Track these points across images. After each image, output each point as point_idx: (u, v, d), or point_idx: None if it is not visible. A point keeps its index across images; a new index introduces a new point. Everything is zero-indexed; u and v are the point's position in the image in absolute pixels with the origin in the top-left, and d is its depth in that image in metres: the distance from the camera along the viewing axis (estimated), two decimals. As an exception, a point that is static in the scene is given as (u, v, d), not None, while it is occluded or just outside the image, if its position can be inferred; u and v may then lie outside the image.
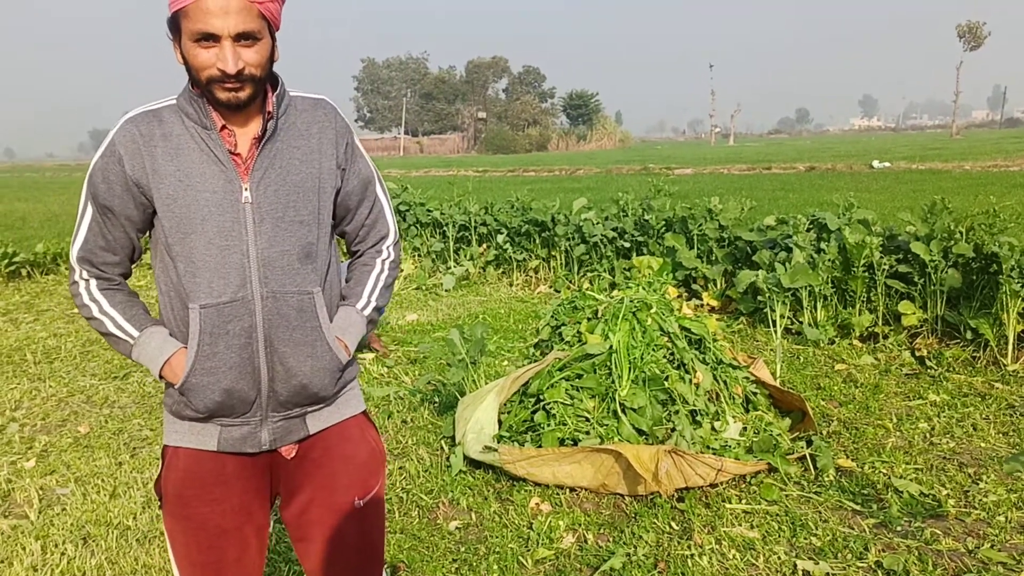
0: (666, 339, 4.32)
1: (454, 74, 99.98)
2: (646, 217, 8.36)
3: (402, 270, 9.59)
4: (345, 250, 2.30)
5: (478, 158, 57.20)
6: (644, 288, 5.08)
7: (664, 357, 4.23)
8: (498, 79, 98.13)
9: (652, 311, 4.43)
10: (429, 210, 10.56)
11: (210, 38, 1.78)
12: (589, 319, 4.66)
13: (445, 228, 10.06)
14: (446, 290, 8.96)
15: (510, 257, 9.22)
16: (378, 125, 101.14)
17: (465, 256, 9.76)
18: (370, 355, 6.36)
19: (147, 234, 2.02)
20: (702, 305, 7.39)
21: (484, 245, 9.79)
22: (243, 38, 1.80)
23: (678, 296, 7.30)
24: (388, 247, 2.21)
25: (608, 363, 4.17)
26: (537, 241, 9.04)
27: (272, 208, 1.92)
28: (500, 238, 9.22)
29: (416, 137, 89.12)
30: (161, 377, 1.96)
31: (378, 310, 2.17)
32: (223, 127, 1.90)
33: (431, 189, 14.88)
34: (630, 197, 9.01)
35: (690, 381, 4.15)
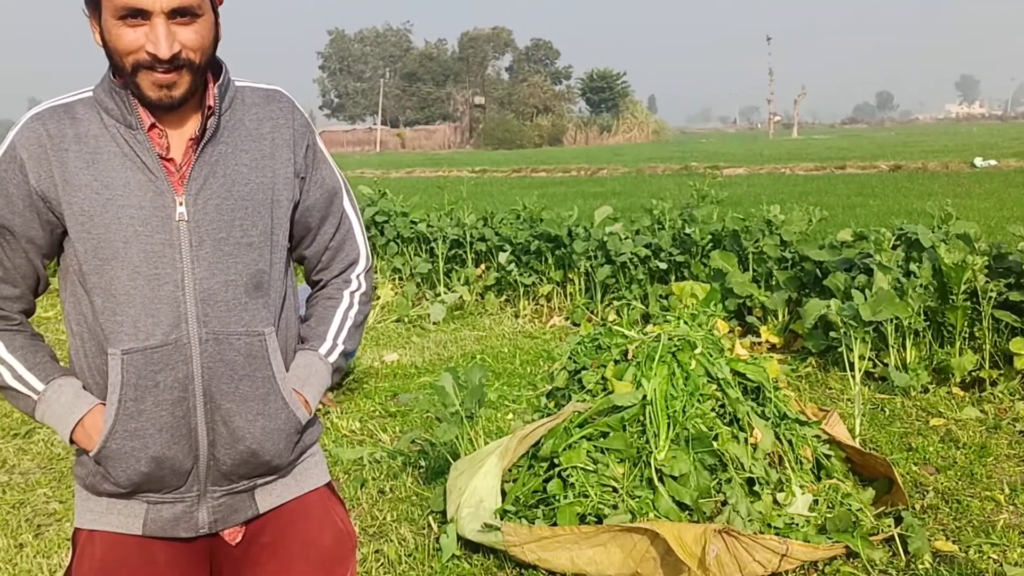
0: (715, 387, 4.32)
1: (444, 49, 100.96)
2: (687, 231, 8.42)
3: (378, 297, 9.65)
4: (304, 279, 2.35)
5: (474, 155, 57.58)
6: (686, 322, 5.08)
7: (713, 410, 4.22)
8: (500, 55, 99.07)
9: (697, 351, 4.43)
10: (413, 222, 10.65)
11: (138, 14, 1.81)
12: (617, 361, 4.65)
13: (433, 244, 10.14)
14: (434, 323, 9.02)
15: (515, 281, 9.28)
16: (348, 113, 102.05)
17: (459, 280, 9.82)
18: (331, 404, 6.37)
19: (55, 260, 2.03)
20: (760, 343, 7.44)
21: (483, 266, 9.88)
22: (179, 14, 1.83)
23: (729, 332, 7.33)
24: (358, 276, 2.24)
25: (641, 418, 4.16)
26: (550, 261, 9.10)
27: (213, 227, 1.94)
28: (503, 257, 9.31)
29: (396, 128, 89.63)
30: (72, 442, 1.96)
31: (346, 355, 2.19)
32: (152, 126, 1.93)
33: (416, 194, 14.94)
34: (667, 205, 9.09)
35: (746, 441, 4.15)
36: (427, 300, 9.76)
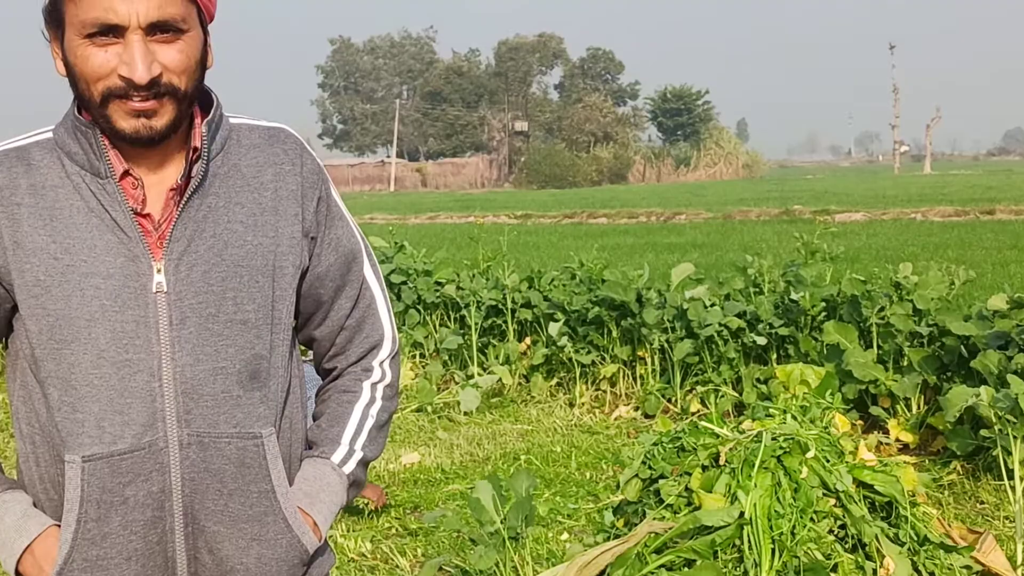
0: (833, 502, 4.28)
1: (477, 62, 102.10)
2: (793, 296, 8.34)
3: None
4: (314, 367, 2.38)
5: (515, 195, 57.68)
6: (794, 416, 5.04)
7: (830, 532, 4.18)
8: (547, 69, 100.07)
9: (809, 456, 4.40)
10: (439, 283, 10.68)
11: (109, 30, 1.85)
12: (705, 468, 4.63)
13: (464, 312, 10.15)
14: (466, 413, 8.99)
15: (570, 360, 9.23)
16: (355, 143, 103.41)
17: (497, 358, 9.81)
18: (364, 504, 6.35)
19: (2, 343, 2.07)
20: (888, 443, 7.33)
21: (528, 340, 9.85)
22: (160, 29, 1.88)
23: (851, 428, 6.98)
24: (382, 363, 2.27)
25: (737, 542, 4.12)
26: (614, 334, 9.07)
27: (199, 300, 1.97)
28: (554, 328, 9.24)
29: (416, 162, 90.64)
30: (18, 573, 1.97)
31: (365, 464, 2.22)
32: (125, 173, 1.97)
33: (441, 246, 14.94)
34: (765, 262, 9.05)
35: (874, 573, 4.09)
36: (456, 384, 9.70)
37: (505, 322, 9.97)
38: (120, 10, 1.82)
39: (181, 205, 1.97)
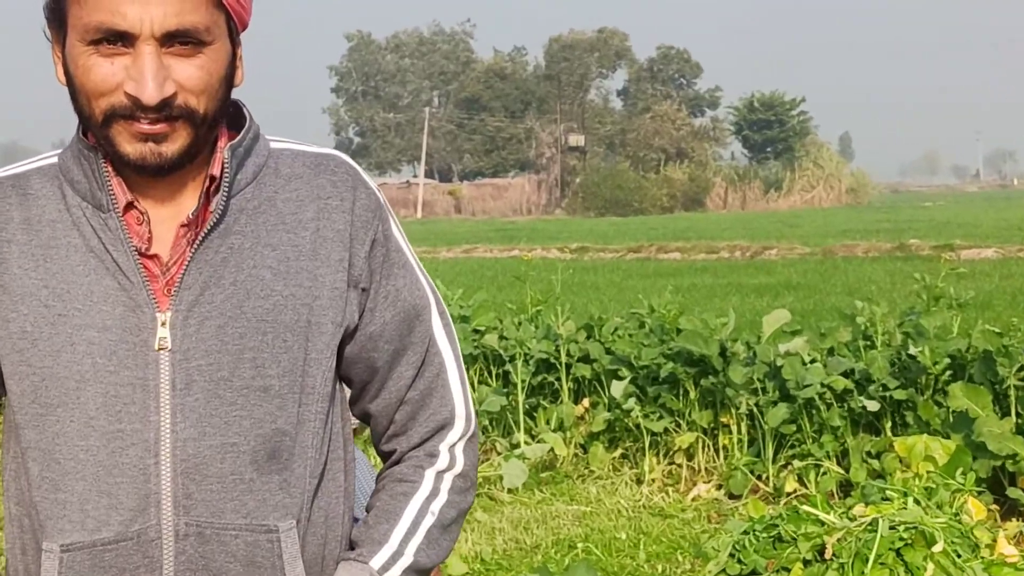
0: (965, 607, 4.23)
1: (523, 62, 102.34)
2: (911, 351, 8.28)
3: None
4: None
5: (569, 223, 57.56)
6: (917, 500, 5.01)
7: (962, 645, 4.13)
8: (609, 72, 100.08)
9: (936, 549, 4.35)
10: (477, 330, 10.66)
11: (117, 38, 1.86)
12: (807, 562, 4.59)
13: (509, 367, 10.12)
14: (511, 490, 8.92)
15: (637, 426, 9.14)
16: (375, 159, 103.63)
17: (548, 423, 9.76)
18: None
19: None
20: (1032, 531, 7.25)
21: (585, 401, 9.77)
22: (177, 39, 1.88)
23: (987, 515, 6.83)
24: (452, 447, 2.24)
25: (847, 655, 4.09)
26: (692, 396, 9.00)
27: (210, 362, 1.98)
28: (618, 388, 9.17)
29: (449, 183, 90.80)
30: None
31: (418, 573, 2.16)
32: (129, 205, 1.98)
33: (480, 286, 14.82)
34: (877, 309, 8.98)
35: None
36: (499, 454, 9.61)
37: (558, 379, 9.88)
38: (130, 15, 1.83)
39: (195, 246, 1.97)
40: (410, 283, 2.17)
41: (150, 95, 1.84)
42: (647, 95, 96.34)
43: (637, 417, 9.08)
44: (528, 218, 71.88)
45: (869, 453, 8.08)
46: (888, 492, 5.45)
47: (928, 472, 6.94)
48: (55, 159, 2.03)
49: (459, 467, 2.21)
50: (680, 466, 9.07)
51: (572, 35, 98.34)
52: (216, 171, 1.98)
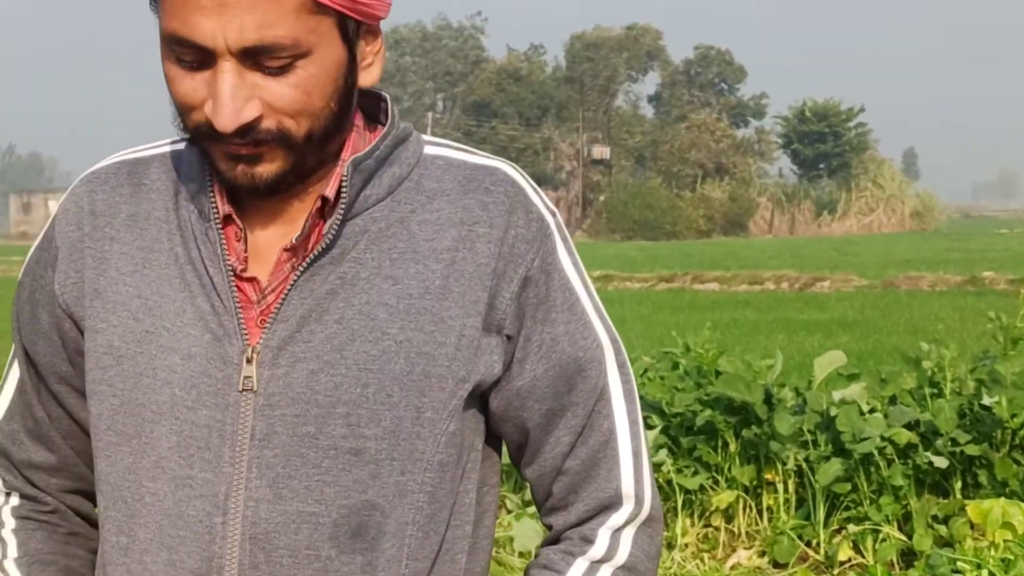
0: None
1: (541, 63, 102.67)
2: (985, 401, 8.08)
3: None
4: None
5: (592, 248, 59.22)
6: (992, 572, 5.22)
7: None
8: (639, 75, 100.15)
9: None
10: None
11: (194, 50, 1.78)
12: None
13: (523, 412, 9.92)
14: (522, 553, 8.78)
15: (669, 482, 8.90)
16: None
17: (568, 475, 9.48)
18: None
19: None
20: None
21: None
22: (264, 54, 1.78)
23: None
24: (616, 531, 2.08)
25: None
26: (732, 448, 8.78)
27: (296, 412, 1.90)
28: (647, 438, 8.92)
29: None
30: None
31: None
32: (228, 219, 1.93)
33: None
34: (947, 352, 8.70)
35: None
36: (508, 512, 9.42)
37: None
38: (202, 27, 1.73)
39: (300, 272, 1.89)
40: (574, 330, 2.02)
41: (223, 123, 1.77)
42: (682, 102, 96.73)
43: (668, 472, 8.90)
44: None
45: (936, 517, 7.93)
46: (958, 563, 5.70)
47: (1005, 541, 7.02)
48: (181, 146, 2.00)
49: (619, 557, 2.07)
50: (717, 529, 8.85)
51: (597, 32, 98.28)
52: (331, 191, 1.90)
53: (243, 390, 1.90)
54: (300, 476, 1.90)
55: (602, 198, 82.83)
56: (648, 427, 8.84)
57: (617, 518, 2.08)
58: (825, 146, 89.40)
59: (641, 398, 9.01)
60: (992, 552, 6.77)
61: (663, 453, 8.85)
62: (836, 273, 33.71)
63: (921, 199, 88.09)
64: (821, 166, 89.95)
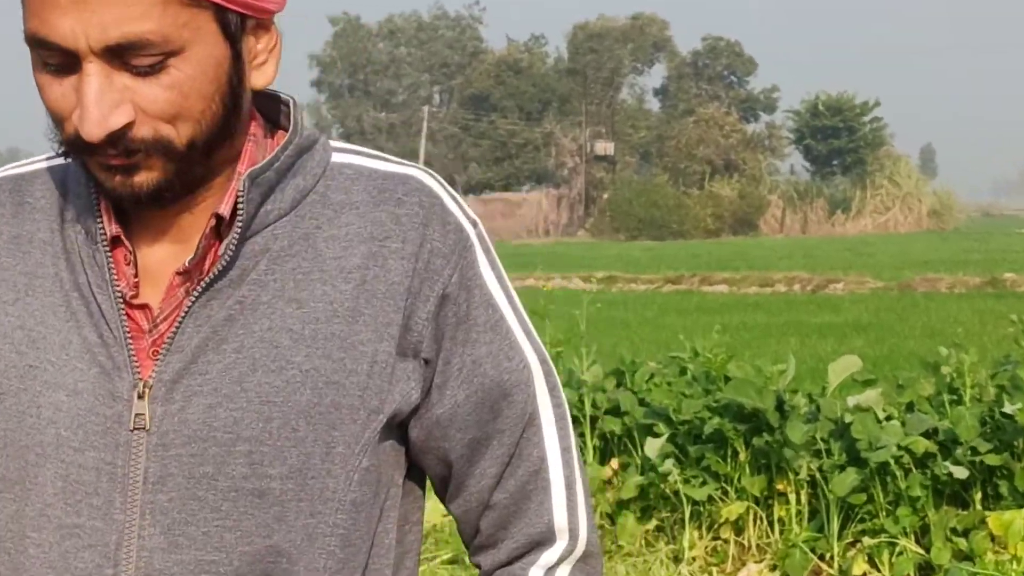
0: None
1: (542, 54, 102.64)
2: (1006, 408, 8.03)
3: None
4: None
5: (595, 247, 59.11)
6: None
7: None
8: (645, 67, 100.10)
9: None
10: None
11: (57, 52, 1.73)
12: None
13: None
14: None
15: (676, 492, 8.85)
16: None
17: (569, 486, 9.49)
18: None
19: None
20: None
21: (615, 461, 9.53)
22: (130, 51, 1.70)
23: None
24: (550, 569, 2.05)
25: None
26: (742, 457, 8.73)
27: (193, 452, 1.86)
28: (653, 446, 8.95)
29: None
30: None
31: None
32: (116, 240, 1.87)
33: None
34: (966, 357, 8.60)
35: None
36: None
37: (582, 435, 9.59)
38: (62, 26, 1.66)
39: (195, 298, 1.84)
40: (498, 351, 1.98)
41: (89, 130, 1.70)
42: (690, 95, 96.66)
43: (676, 482, 8.89)
44: (546, 241, 73.21)
45: (955, 530, 7.92)
46: (976, 576, 5.14)
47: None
48: (62, 161, 1.95)
49: None
50: (727, 542, 8.83)
51: (601, 22, 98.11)
52: (226, 208, 1.83)
53: (134, 428, 1.84)
54: (197, 522, 1.86)
55: (606, 196, 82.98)
56: (653, 435, 9.15)
57: (550, 555, 2.05)
58: (839, 141, 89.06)
59: (646, 404, 8.88)
60: (1014, 566, 6.90)
61: (670, 462, 8.86)
62: (850, 274, 33.88)
63: (939, 197, 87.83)
64: (835, 162, 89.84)
